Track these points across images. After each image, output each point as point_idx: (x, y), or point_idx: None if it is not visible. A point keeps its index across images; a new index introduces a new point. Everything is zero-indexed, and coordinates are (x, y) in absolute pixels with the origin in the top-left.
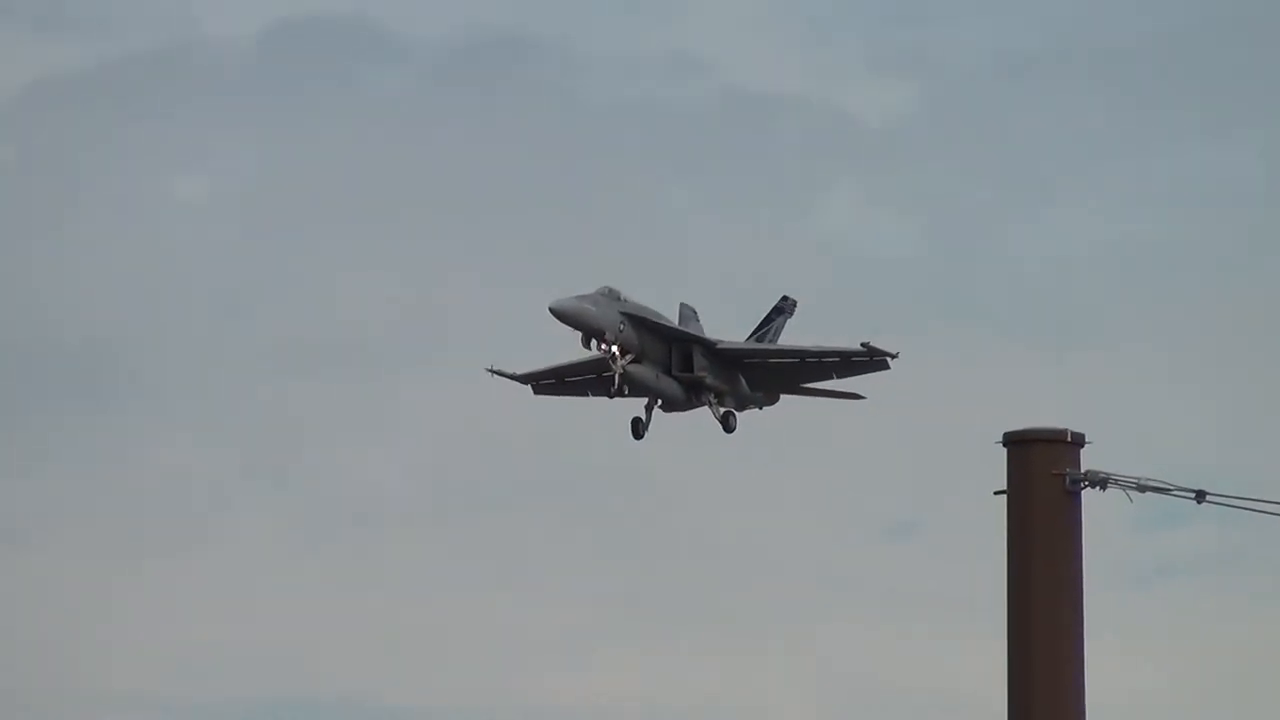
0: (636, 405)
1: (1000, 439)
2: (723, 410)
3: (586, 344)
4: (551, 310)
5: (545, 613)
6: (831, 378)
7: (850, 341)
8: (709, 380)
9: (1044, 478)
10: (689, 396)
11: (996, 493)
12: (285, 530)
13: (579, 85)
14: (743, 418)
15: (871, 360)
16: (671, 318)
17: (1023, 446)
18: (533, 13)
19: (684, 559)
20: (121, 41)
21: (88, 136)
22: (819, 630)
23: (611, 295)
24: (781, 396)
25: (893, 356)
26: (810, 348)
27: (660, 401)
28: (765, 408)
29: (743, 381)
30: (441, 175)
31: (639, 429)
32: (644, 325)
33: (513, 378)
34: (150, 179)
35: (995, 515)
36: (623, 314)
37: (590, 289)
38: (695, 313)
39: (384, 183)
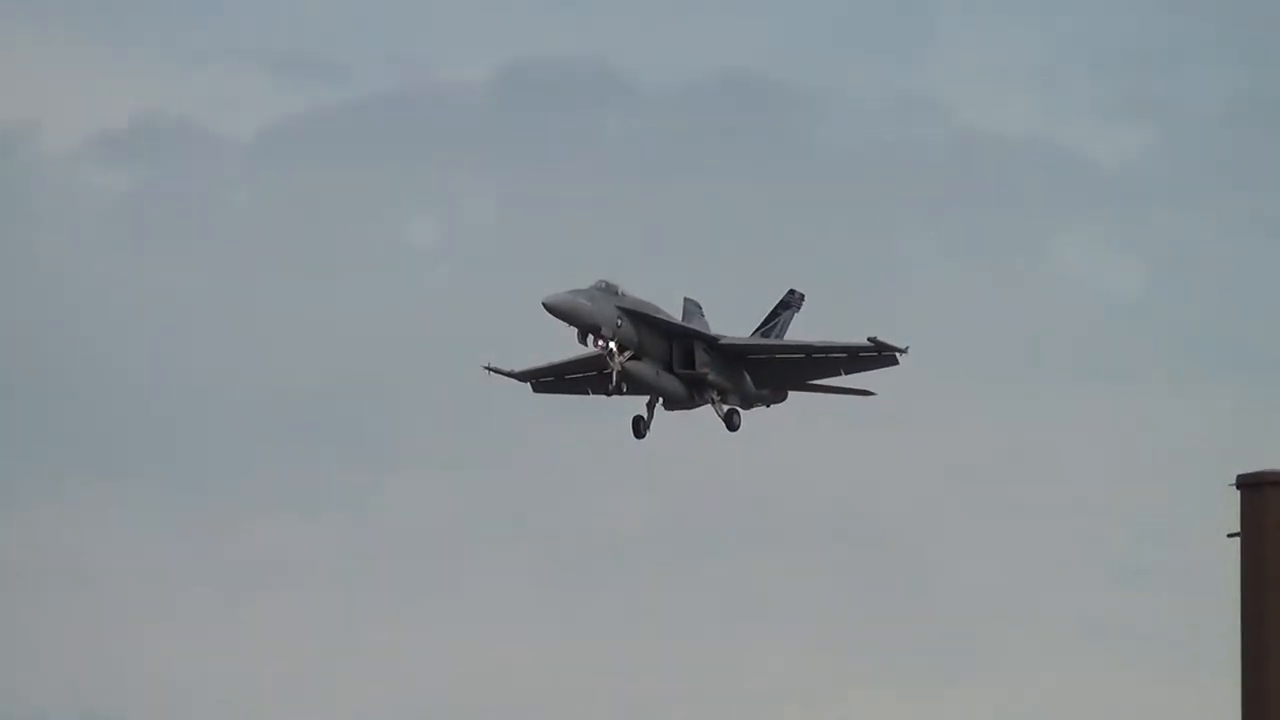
0: (638, 404)
1: (1234, 481)
2: (726, 408)
3: (583, 340)
4: (545, 305)
5: (776, 655)
6: (839, 374)
7: (858, 336)
8: (711, 377)
9: (1278, 520)
10: (691, 394)
11: (1230, 535)
12: (528, 571)
13: (815, 127)
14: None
15: (880, 355)
16: (674, 313)
17: (1256, 489)
18: (768, 56)
19: (924, 603)
20: (355, 85)
21: (321, 180)
22: (1047, 672)
23: (609, 290)
24: (790, 394)
25: (901, 351)
26: (816, 343)
27: (662, 399)
28: (772, 405)
29: (747, 378)
30: (678, 219)
31: (640, 428)
32: (643, 320)
33: (510, 375)
34: (383, 222)
35: (1229, 558)
36: (620, 309)
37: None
38: (700, 308)
39: (619, 226)
